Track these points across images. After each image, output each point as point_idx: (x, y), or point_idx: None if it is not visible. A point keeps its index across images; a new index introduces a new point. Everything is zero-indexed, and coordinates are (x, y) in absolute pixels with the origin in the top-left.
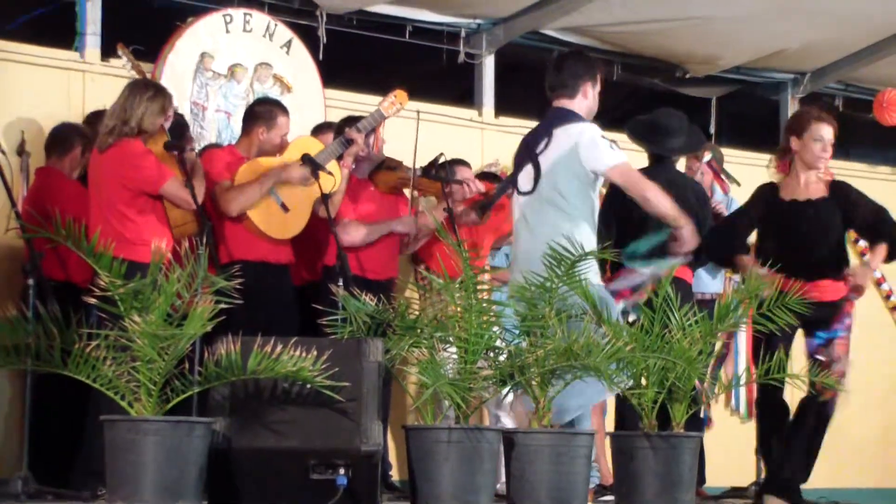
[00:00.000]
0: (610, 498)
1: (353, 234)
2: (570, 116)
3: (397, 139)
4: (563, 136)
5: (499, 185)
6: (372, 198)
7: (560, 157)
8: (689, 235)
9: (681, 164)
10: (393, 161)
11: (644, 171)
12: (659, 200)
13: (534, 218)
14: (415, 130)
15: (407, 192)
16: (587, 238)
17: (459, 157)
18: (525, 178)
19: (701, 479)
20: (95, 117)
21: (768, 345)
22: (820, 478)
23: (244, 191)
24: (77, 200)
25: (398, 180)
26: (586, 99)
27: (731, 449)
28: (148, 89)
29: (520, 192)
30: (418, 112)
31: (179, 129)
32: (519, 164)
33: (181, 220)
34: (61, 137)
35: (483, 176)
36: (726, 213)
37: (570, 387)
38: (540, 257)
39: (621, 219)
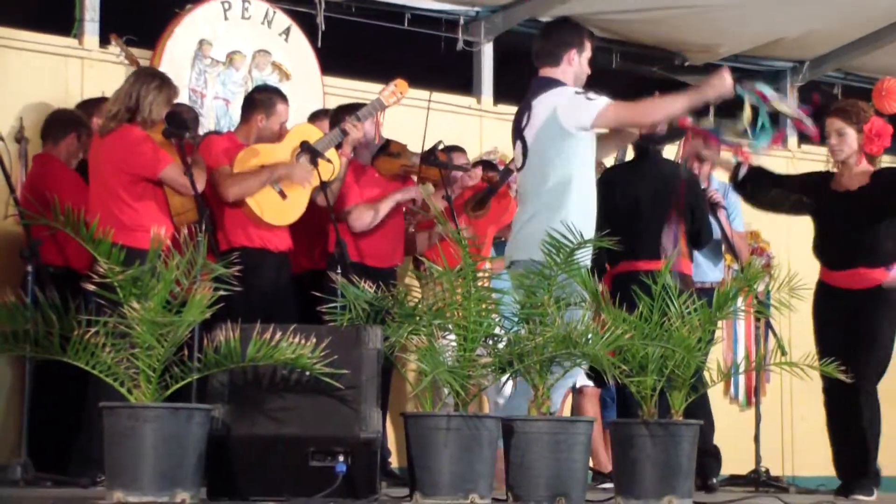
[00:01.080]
0: (609, 485)
1: (364, 217)
2: (547, 84)
3: (395, 126)
4: (541, 107)
5: (495, 178)
6: (375, 183)
7: (541, 128)
8: (717, 80)
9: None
10: (397, 146)
11: (628, 164)
12: (667, 108)
13: (526, 194)
14: (420, 118)
15: (414, 178)
16: (582, 208)
17: (455, 144)
18: (517, 155)
19: None
20: (87, 105)
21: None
22: (821, 466)
23: (245, 179)
24: (74, 188)
25: (402, 167)
26: (571, 66)
27: (730, 437)
28: (155, 79)
29: (516, 170)
30: (429, 99)
31: (191, 122)
32: (513, 142)
33: (181, 207)
34: (55, 125)
35: (481, 164)
36: (723, 203)
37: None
38: (537, 237)
39: (609, 212)
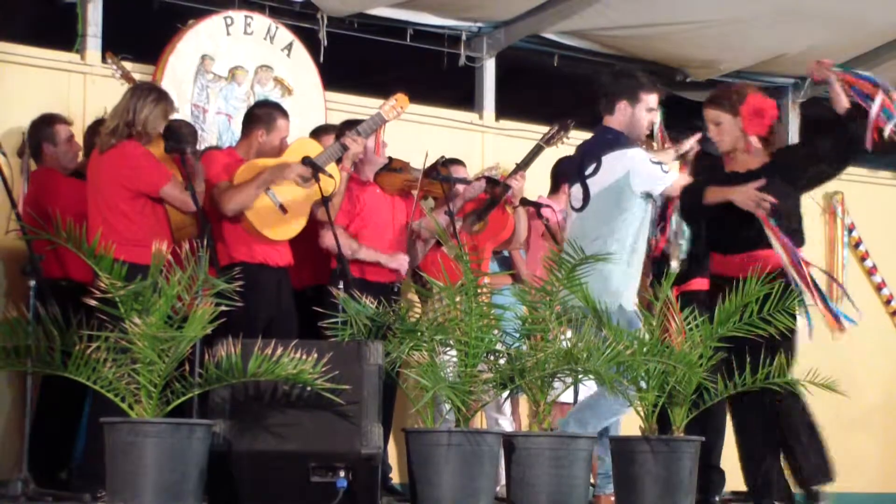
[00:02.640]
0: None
1: (344, 245)
2: (617, 141)
3: (397, 143)
4: (614, 163)
5: (489, 195)
6: (378, 200)
7: (612, 185)
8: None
9: None
10: (399, 163)
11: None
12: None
13: (581, 235)
14: (421, 133)
15: (415, 193)
16: (625, 262)
17: (455, 158)
18: (576, 197)
19: None
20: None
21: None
22: None
23: (241, 189)
24: (75, 198)
25: (404, 182)
26: (623, 116)
27: (731, 453)
28: (151, 93)
29: (573, 208)
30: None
31: (189, 137)
32: (566, 179)
33: (182, 222)
34: (29, 140)
35: (482, 179)
36: None
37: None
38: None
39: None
